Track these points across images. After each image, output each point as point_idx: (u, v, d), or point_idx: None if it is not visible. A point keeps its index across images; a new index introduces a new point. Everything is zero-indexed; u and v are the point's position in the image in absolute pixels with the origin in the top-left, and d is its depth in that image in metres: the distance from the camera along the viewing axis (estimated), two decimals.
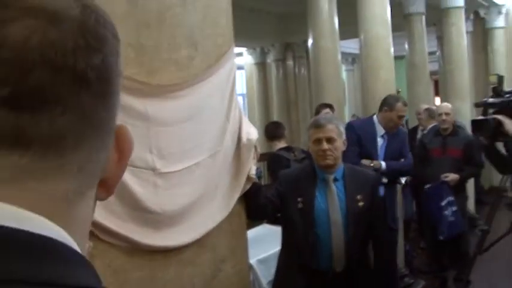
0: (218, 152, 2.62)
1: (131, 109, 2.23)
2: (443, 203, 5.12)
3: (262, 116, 12.25)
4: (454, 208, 5.14)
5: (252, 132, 2.80)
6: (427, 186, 5.19)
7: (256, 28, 10.79)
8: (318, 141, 2.83)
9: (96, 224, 2.11)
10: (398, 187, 4.96)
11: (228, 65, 2.73)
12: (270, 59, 12.82)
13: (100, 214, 2.11)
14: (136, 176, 2.24)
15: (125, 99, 2.20)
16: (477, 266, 4.91)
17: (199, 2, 2.61)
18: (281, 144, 4.92)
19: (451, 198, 5.15)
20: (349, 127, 4.65)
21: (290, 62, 12.51)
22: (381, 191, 4.50)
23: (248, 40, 12.17)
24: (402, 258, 5.41)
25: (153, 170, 2.30)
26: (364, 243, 2.94)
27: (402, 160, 4.61)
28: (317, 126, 2.86)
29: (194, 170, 2.48)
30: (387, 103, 4.57)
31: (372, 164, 4.46)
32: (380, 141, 4.60)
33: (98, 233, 2.14)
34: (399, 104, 4.54)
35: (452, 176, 5.18)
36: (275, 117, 11.16)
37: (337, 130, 2.86)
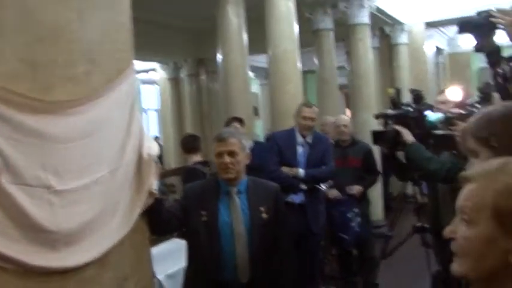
0: (118, 168, 2.58)
1: (22, 126, 2.16)
2: (349, 215, 5.32)
3: (176, 130, 12.19)
4: (359, 219, 5.36)
5: (152, 147, 2.79)
6: (334, 198, 5.36)
7: (169, 43, 10.78)
8: (220, 154, 2.87)
9: None
10: (322, 193, 5.04)
11: (128, 80, 2.70)
12: (183, 73, 12.80)
13: None
14: (29, 194, 2.17)
15: (16, 116, 2.15)
16: (385, 270, 5.10)
17: (97, 17, 2.58)
18: (197, 157, 4.93)
19: (356, 210, 5.37)
20: (271, 137, 4.85)
21: (203, 77, 12.53)
22: (300, 197, 4.62)
23: (161, 55, 12.11)
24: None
25: (48, 187, 2.24)
26: (269, 255, 2.98)
27: (323, 167, 4.73)
28: (220, 140, 2.90)
29: (92, 187, 2.43)
30: (296, 110, 4.76)
31: (291, 172, 4.58)
32: (300, 149, 4.73)
33: None
34: (302, 107, 4.77)
35: (356, 189, 5.39)
36: (189, 131, 11.12)
37: (239, 144, 2.90)
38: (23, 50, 2.25)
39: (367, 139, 5.84)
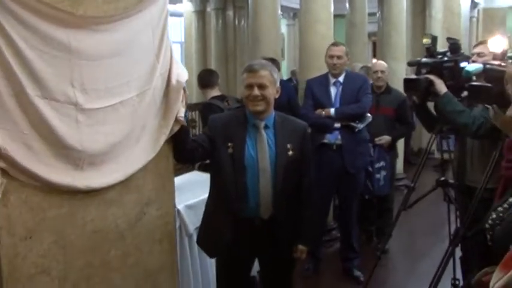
0: (146, 91, 2.52)
1: (52, 39, 2.10)
2: (377, 165, 5.24)
3: (199, 65, 12.03)
4: (385, 173, 5.28)
5: (182, 74, 2.72)
6: (381, 144, 5.27)
7: None
8: (250, 86, 2.78)
9: (10, 162, 2.01)
10: (364, 134, 4.93)
11: (159, 2, 2.60)
12: (210, 7, 12.54)
13: (15, 150, 2.00)
14: (56, 110, 2.12)
15: (45, 28, 2.08)
16: (400, 222, 5.08)
17: None
18: (214, 92, 4.83)
19: (383, 163, 5.27)
20: (306, 83, 4.86)
21: (230, 12, 12.28)
22: (335, 136, 4.57)
23: None
24: (331, 212, 5.52)
25: (75, 104, 2.19)
26: (292, 192, 2.94)
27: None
28: (250, 71, 2.80)
29: (120, 108, 2.39)
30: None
31: (323, 112, 4.53)
32: (333, 89, 4.65)
33: (12, 172, 2.03)
34: (330, 46, 4.69)
35: (385, 139, 5.28)
36: (212, 68, 11.01)
37: (270, 77, 2.80)
38: None
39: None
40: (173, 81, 2.65)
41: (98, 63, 2.28)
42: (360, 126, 4.66)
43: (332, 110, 4.56)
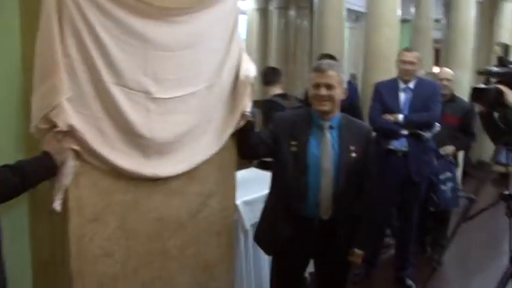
0: (215, 84, 2.55)
1: (129, 28, 2.15)
2: (442, 177, 5.10)
3: (260, 63, 12.03)
4: (451, 184, 5.12)
5: (250, 69, 2.72)
6: (446, 154, 5.14)
7: None
8: (317, 86, 2.75)
9: (84, 145, 2.06)
10: (430, 143, 4.85)
11: None
12: (273, 6, 12.55)
13: (89, 133, 2.06)
14: (129, 97, 2.17)
15: (124, 16, 2.13)
16: (459, 234, 4.94)
17: None
18: (277, 90, 4.82)
19: (449, 174, 5.12)
20: (374, 87, 4.75)
21: (292, 12, 12.25)
22: (402, 143, 4.50)
23: None
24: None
25: (147, 93, 2.23)
26: (353, 195, 2.90)
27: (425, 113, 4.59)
28: (318, 70, 2.77)
29: (189, 100, 2.42)
30: (397, 55, 4.60)
31: (391, 118, 4.46)
32: (402, 95, 4.57)
33: (85, 155, 2.09)
34: (402, 51, 4.59)
35: (450, 149, 5.15)
36: (273, 65, 11.02)
37: (337, 77, 2.77)
38: None
39: None
40: (242, 75, 2.67)
41: (171, 54, 2.32)
42: (428, 134, 4.56)
43: (401, 117, 4.47)
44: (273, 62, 11.75)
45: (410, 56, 4.52)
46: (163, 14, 2.27)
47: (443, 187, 5.04)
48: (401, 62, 4.51)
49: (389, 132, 4.50)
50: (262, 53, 12.33)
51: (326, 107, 2.76)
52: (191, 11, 2.38)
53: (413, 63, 4.51)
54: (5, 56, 2.20)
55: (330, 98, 2.75)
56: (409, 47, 4.91)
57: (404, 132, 4.48)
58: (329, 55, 5.38)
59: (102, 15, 2.05)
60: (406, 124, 4.45)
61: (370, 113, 4.65)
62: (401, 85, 4.55)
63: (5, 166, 1.85)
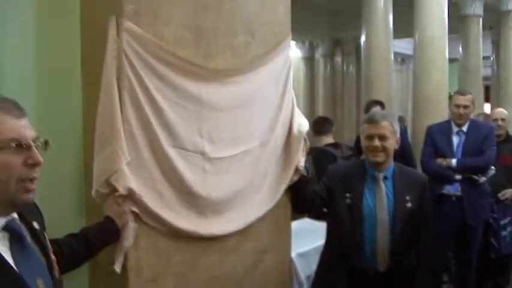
0: (268, 141, 2.58)
1: (185, 92, 2.22)
2: (502, 222, 4.95)
3: (307, 111, 12.15)
4: (510, 229, 4.96)
5: (303, 124, 2.75)
6: (505, 198, 5.00)
7: (306, 22, 10.70)
8: (370, 137, 2.75)
9: (143, 208, 2.11)
10: (485, 186, 4.75)
11: (284, 53, 2.69)
12: (319, 54, 12.71)
13: (148, 196, 2.11)
14: (185, 159, 2.22)
15: (179, 80, 2.20)
16: None
17: None
18: (328, 139, 4.83)
19: (509, 219, 4.96)
20: (426, 130, 4.71)
21: (338, 59, 12.38)
22: (456, 188, 4.41)
23: (297, 34, 12.08)
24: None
25: (202, 154, 2.28)
26: (409, 245, 2.85)
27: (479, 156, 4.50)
28: (371, 122, 2.77)
29: (243, 158, 2.45)
30: (450, 98, 4.55)
31: (444, 162, 4.39)
32: (455, 139, 4.50)
33: (144, 217, 2.14)
34: (456, 95, 4.49)
35: (509, 193, 4.98)
36: (320, 113, 11.09)
37: (390, 128, 2.77)
38: (189, 16, 2.28)
39: None
40: (295, 130, 2.69)
41: (225, 114, 2.37)
42: (482, 179, 4.45)
43: (454, 161, 4.38)
44: (320, 109, 11.82)
45: (464, 100, 4.46)
46: (218, 76, 2.34)
47: (503, 233, 4.87)
48: (455, 106, 4.45)
49: (443, 177, 4.41)
50: (309, 100, 12.44)
51: (380, 158, 2.75)
52: (244, 72, 2.44)
53: (467, 107, 4.44)
54: (67, 122, 2.31)
55: (384, 149, 2.74)
56: (462, 89, 4.81)
57: (458, 177, 4.38)
58: (378, 101, 5.38)
59: (158, 80, 2.14)
60: (460, 169, 4.36)
61: (422, 157, 4.59)
62: (455, 128, 4.48)
63: (70, 235, 1.90)
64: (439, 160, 4.42)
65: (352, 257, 2.77)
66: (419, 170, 4.91)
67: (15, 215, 1.41)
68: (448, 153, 4.43)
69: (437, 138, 4.52)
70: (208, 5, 2.35)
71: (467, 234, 4.48)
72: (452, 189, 4.43)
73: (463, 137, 4.47)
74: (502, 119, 5.25)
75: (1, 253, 1.31)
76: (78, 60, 2.33)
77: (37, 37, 2.21)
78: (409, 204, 2.78)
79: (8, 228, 1.36)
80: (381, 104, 5.40)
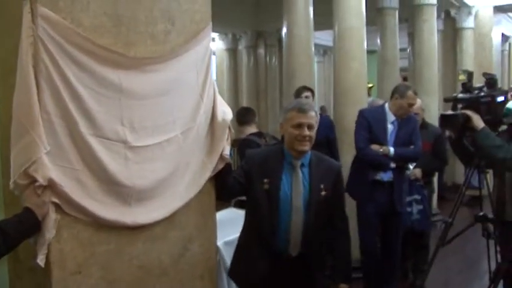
0: (191, 129, 2.59)
1: (104, 79, 2.19)
2: (408, 199, 5.19)
3: (231, 102, 12.16)
4: (420, 207, 5.21)
5: (227, 112, 2.78)
6: (415, 177, 5.24)
7: (229, 14, 10.71)
8: (299, 126, 2.79)
9: (64, 198, 2.07)
10: (407, 172, 4.98)
11: (205, 42, 2.70)
12: (242, 45, 12.77)
13: (69, 186, 2.07)
14: (107, 148, 2.20)
15: (99, 69, 2.17)
16: (438, 259, 5.00)
17: None
18: (252, 129, 4.89)
19: (417, 196, 5.22)
20: (361, 114, 4.81)
21: (261, 50, 12.48)
22: (388, 175, 4.59)
23: (220, 25, 12.09)
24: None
25: (124, 142, 2.26)
26: (322, 231, 2.95)
27: (412, 147, 4.67)
28: (301, 111, 2.82)
29: (165, 146, 2.45)
30: (398, 91, 4.65)
31: (381, 150, 4.53)
32: (390, 127, 4.66)
33: (66, 208, 2.10)
34: (410, 92, 4.61)
35: (415, 172, 5.24)
36: (244, 104, 11.13)
37: (316, 118, 2.86)
38: (108, 4, 2.25)
39: None
40: (219, 118, 2.72)
41: (146, 102, 2.36)
42: (411, 167, 4.71)
43: (392, 150, 4.55)
44: (244, 101, 11.90)
45: (415, 99, 4.68)
46: (138, 63, 2.32)
47: (408, 209, 5.13)
48: (409, 104, 4.58)
49: (380, 164, 4.58)
50: (233, 92, 12.49)
51: (307, 147, 2.83)
52: (164, 60, 2.43)
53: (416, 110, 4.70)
54: None
55: (311, 139, 2.82)
56: (414, 88, 4.91)
57: (393, 165, 4.57)
58: (308, 88, 5.49)
59: (77, 68, 2.09)
60: (396, 158, 4.56)
61: (359, 143, 4.72)
62: (391, 117, 4.64)
63: None
64: (375, 147, 4.57)
65: (266, 240, 2.84)
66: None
67: None
68: (383, 141, 4.59)
69: (373, 124, 4.66)
70: None
71: (394, 220, 4.70)
72: (386, 176, 4.62)
73: (397, 127, 4.65)
74: (416, 113, 5.45)
75: None
76: None
77: None
78: (323, 193, 2.87)
79: None
80: (311, 91, 5.51)
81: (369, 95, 13.15)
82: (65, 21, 2.06)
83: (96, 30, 2.19)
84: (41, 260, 2.04)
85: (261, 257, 2.86)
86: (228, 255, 3.61)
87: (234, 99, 12.34)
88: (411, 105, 4.62)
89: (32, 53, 1.99)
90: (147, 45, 2.40)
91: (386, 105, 4.76)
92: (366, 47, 6.32)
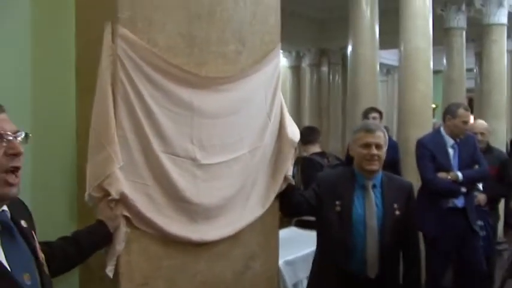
0: (258, 148, 2.62)
1: (177, 98, 2.25)
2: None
3: (293, 120, 12.15)
4: (483, 233, 5.05)
5: (295, 132, 2.80)
6: (479, 203, 5.09)
7: (293, 32, 10.78)
8: (367, 145, 2.83)
9: (134, 212, 2.14)
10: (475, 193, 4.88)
11: (274, 62, 2.74)
12: (305, 63, 12.80)
13: (140, 201, 2.14)
14: (177, 165, 2.25)
15: (172, 87, 2.23)
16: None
17: None
18: (316, 148, 4.90)
19: (480, 222, 5.05)
20: (421, 144, 4.67)
21: (325, 68, 12.47)
22: (461, 200, 4.50)
23: (285, 43, 12.12)
24: None
25: (193, 160, 2.31)
26: (397, 252, 2.94)
27: (476, 167, 4.57)
28: (368, 130, 2.87)
29: (233, 165, 2.49)
30: (449, 111, 4.55)
31: (449, 177, 4.44)
32: (451, 151, 4.55)
33: (136, 222, 2.16)
34: (461, 110, 4.50)
35: (480, 198, 5.07)
36: (306, 122, 11.15)
37: (384, 138, 2.88)
38: (182, 25, 2.32)
39: None
40: (286, 139, 2.74)
41: (216, 121, 2.41)
42: (480, 187, 4.60)
43: (459, 175, 4.44)
44: (306, 118, 11.90)
45: (469, 117, 4.57)
46: (210, 83, 2.38)
47: None
48: (462, 122, 4.48)
49: (450, 192, 4.47)
50: (295, 109, 12.49)
51: (376, 166, 2.84)
52: (234, 79, 2.49)
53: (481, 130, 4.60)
54: (61, 126, 2.33)
55: (379, 158, 2.83)
56: (466, 105, 4.80)
57: (463, 189, 4.45)
58: (376, 109, 5.45)
59: (151, 86, 2.17)
60: (465, 181, 4.44)
61: (426, 174, 4.56)
62: (449, 141, 4.53)
63: (61, 238, 1.93)
64: (443, 174, 4.45)
65: (342, 262, 2.83)
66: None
67: (5, 208, 1.44)
68: (448, 167, 4.48)
69: (435, 153, 4.54)
70: (201, 14, 2.40)
71: (472, 239, 4.56)
72: (460, 203, 4.50)
73: (457, 149, 4.54)
74: (482, 134, 5.32)
75: None
76: (73, 66, 2.35)
77: (33, 43, 2.23)
78: (397, 212, 2.87)
79: None
80: (379, 112, 5.47)
81: (433, 116, 12.93)
82: (142, 42, 2.14)
83: (170, 50, 2.26)
84: (110, 271, 2.11)
85: (335, 279, 2.87)
86: (288, 275, 3.62)
87: (296, 117, 12.31)
88: (465, 122, 4.51)
89: (110, 71, 2.07)
90: (218, 65, 2.46)
91: (442, 129, 4.64)
92: (432, 67, 6.23)
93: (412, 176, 5.28)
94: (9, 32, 2.18)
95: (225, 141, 2.46)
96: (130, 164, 2.11)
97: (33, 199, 2.07)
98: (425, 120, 5.86)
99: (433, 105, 11.10)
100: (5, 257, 1.37)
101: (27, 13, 2.22)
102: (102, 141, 2.04)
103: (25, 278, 1.42)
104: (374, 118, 5.16)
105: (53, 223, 2.15)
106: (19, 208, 1.57)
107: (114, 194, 2.03)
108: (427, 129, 5.62)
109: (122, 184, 2.06)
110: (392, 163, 5.15)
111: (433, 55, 6.34)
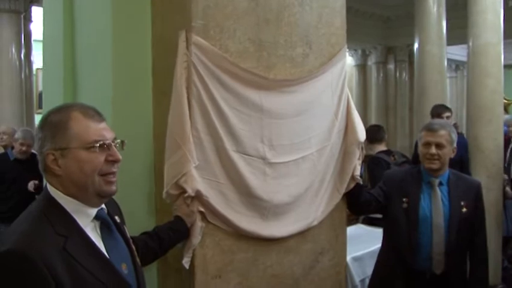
0: (325, 147, 2.70)
1: (247, 100, 2.36)
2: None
3: (360, 117, 12.09)
4: None
5: (362, 132, 2.86)
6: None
7: (359, 30, 10.74)
8: (427, 144, 2.87)
9: (209, 208, 2.28)
10: None
11: (340, 63, 2.81)
12: (371, 61, 12.69)
13: (214, 198, 2.27)
14: (248, 163, 2.37)
15: (242, 90, 2.35)
16: None
17: (315, 2, 2.71)
18: (381, 147, 4.92)
19: None
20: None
21: (391, 66, 12.32)
22: None
23: (350, 41, 12.06)
24: (500, 274, 5.23)
25: (263, 159, 2.42)
26: (464, 249, 2.93)
27: None
28: (429, 129, 2.90)
29: (301, 163, 2.58)
30: None
31: None
32: None
33: (210, 217, 2.30)
34: None
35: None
36: (373, 121, 11.07)
37: (448, 137, 2.88)
38: (252, 30, 2.44)
39: None
40: (353, 138, 2.80)
41: (284, 122, 2.51)
42: None
43: None
44: (373, 117, 11.80)
45: None
46: (278, 85, 2.48)
47: None
48: None
49: None
50: (362, 108, 12.40)
51: (435, 165, 2.86)
52: (302, 81, 2.58)
53: None
54: (139, 128, 2.50)
55: (439, 157, 2.84)
56: None
57: None
58: (448, 108, 5.37)
59: (223, 89, 2.29)
60: None
61: None
62: None
63: (144, 233, 2.10)
64: None
65: (408, 259, 2.87)
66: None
67: (103, 206, 1.60)
68: None
69: None
70: (269, 19, 2.51)
71: None
72: None
73: None
74: None
75: (94, 241, 1.50)
76: (150, 72, 2.52)
77: (114, 51, 2.41)
78: (464, 210, 2.87)
79: (99, 217, 1.55)
80: (447, 109, 5.39)
81: (506, 111, 12.50)
82: (215, 48, 2.27)
83: (240, 55, 2.38)
84: (186, 263, 2.26)
85: (401, 276, 2.91)
86: (355, 271, 3.67)
87: (362, 115, 12.14)
88: None
89: (185, 76, 2.21)
90: (286, 67, 2.56)
91: None
92: (503, 62, 6.07)
93: (481, 174, 5.20)
94: (95, 41, 2.37)
95: (293, 141, 2.55)
96: (205, 162, 2.25)
97: (116, 197, 2.24)
98: (495, 116, 5.73)
99: (505, 100, 10.78)
100: (106, 249, 1.54)
101: (110, 23, 2.40)
102: (178, 141, 2.18)
103: (123, 267, 1.58)
104: (448, 117, 5.10)
105: (132, 219, 2.31)
106: (112, 205, 1.74)
107: (190, 191, 2.17)
108: (497, 126, 5.51)
109: (197, 182, 2.20)
110: (460, 161, 5.10)
111: (504, 48, 6.15)
